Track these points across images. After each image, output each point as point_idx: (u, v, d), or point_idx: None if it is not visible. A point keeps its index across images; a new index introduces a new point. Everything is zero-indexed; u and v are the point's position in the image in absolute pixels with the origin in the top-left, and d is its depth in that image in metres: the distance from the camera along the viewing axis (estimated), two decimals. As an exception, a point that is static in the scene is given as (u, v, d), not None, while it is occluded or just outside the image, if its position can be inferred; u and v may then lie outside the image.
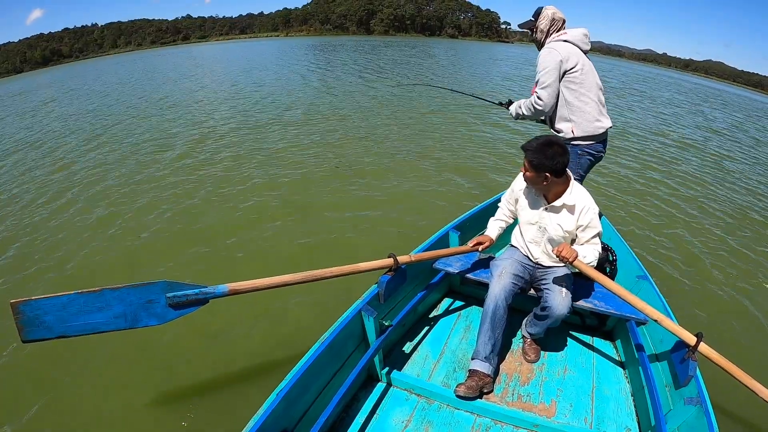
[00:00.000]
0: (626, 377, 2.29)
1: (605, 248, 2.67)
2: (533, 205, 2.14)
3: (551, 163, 1.89)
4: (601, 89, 2.65)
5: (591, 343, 2.53)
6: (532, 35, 2.76)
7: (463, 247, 2.40)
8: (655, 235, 4.80)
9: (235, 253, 4.03)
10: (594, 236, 2.04)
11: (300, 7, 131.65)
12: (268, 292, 1.68)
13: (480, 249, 2.30)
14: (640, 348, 2.15)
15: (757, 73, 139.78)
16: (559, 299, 2.04)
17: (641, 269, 2.61)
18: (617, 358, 2.43)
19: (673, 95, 23.50)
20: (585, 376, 2.27)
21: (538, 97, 2.62)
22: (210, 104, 11.93)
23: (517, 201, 2.24)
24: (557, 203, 2.03)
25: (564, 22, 2.67)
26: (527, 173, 1.99)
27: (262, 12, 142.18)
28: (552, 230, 2.08)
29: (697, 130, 12.47)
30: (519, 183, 2.21)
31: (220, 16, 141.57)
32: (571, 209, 2.02)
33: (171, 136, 8.38)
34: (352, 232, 4.44)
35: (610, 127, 2.67)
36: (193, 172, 6.25)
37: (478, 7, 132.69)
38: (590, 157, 2.69)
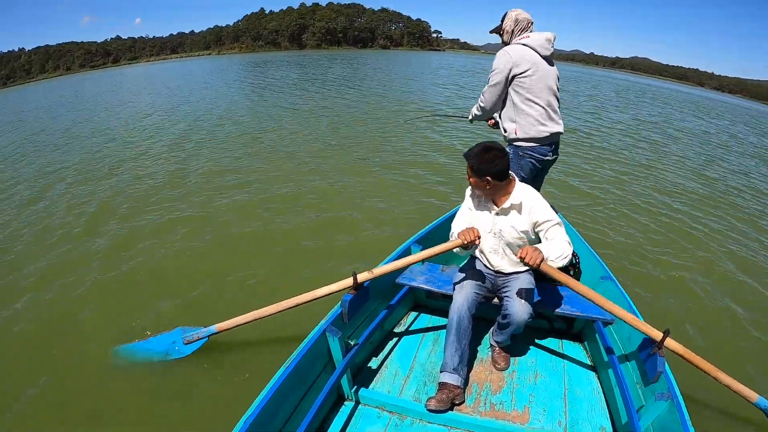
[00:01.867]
0: (597, 377, 2.30)
1: None
2: (484, 213, 2.13)
3: (491, 167, 1.92)
4: (555, 95, 2.64)
5: (560, 347, 2.54)
6: (502, 39, 2.77)
7: (435, 249, 2.05)
8: (615, 234, 4.90)
9: (217, 295, 3.55)
10: (553, 227, 1.95)
11: (231, 25, 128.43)
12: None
13: (471, 240, 1.93)
14: (608, 348, 2.17)
15: (681, 66, 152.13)
16: (518, 306, 2.04)
17: (604, 269, 2.66)
18: (587, 360, 2.45)
19: (604, 92, 25.00)
20: (556, 379, 2.27)
21: (482, 96, 2.70)
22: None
23: (471, 212, 2.21)
24: (505, 205, 2.04)
25: (530, 23, 2.67)
26: (470, 179, 2.03)
27: (192, 31, 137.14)
28: (507, 234, 2.07)
29: (632, 124, 13.32)
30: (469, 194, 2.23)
31: (150, 36, 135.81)
32: (518, 208, 2.03)
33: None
34: (311, 259, 4.11)
35: (560, 133, 2.67)
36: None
37: (408, 17, 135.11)
38: (532, 160, 2.67)
